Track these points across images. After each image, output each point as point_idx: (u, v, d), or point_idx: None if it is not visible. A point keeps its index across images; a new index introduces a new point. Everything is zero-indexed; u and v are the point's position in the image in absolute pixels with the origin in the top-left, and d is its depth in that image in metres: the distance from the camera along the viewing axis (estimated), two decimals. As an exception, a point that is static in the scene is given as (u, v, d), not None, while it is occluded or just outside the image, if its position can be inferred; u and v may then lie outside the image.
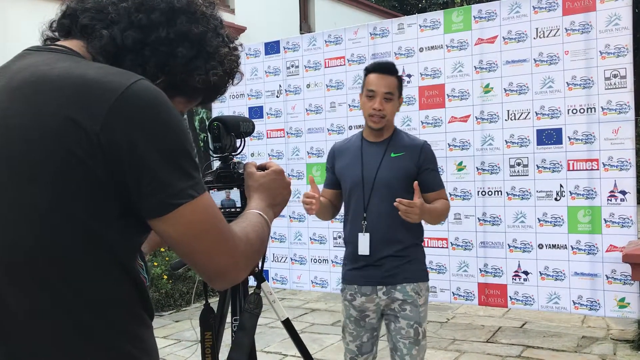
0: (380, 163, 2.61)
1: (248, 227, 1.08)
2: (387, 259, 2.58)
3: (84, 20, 1.02)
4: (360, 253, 2.60)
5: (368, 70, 2.67)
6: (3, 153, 0.91)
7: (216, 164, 1.47)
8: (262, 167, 1.31)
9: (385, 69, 2.64)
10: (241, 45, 1.18)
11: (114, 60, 1.01)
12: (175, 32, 1.03)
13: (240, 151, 1.42)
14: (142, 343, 0.99)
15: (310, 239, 5.42)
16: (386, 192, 2.57)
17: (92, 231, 0.91)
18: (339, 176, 2.73)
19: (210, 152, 1.41)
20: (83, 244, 0.91)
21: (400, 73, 2.71)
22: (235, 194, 1.39)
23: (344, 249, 2.75)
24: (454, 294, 4.73)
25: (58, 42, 1.05)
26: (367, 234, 2.58)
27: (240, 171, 1.37)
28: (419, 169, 2.61)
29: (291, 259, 5.54)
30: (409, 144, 2.66)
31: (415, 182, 2.48)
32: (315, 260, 5.41)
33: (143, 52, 1.01)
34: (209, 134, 1.39)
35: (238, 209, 1.38)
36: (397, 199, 2.42)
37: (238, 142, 1.42)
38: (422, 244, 2.73)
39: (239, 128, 1.40)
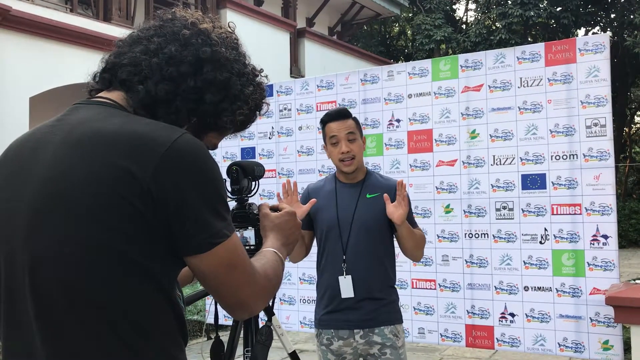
0: (356, 204, 2.65)
1: (267, 264, 1.18)
2: (365, 302, 2.59)
3: (122, 75, 1.14)
4: (343, 296, 2.59)
5: (325, 122, 2.72)
6: (68, 202, 1.01)
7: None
8: (274, 209, 1.41)
9: (340, 114, 2.71)
10: (267, 76, 1.32)
11: (151, 110, 1.13)
12: (202, 81, 1.14)
13: (254, 193, 1.53)
14: None
15: (300, 279, 5.46)
16: (364, 233, 2.61)
17: (144, 268, 1.01)
18: (313, 217, 2.74)
19: (228, 194, 1.51)
20: (136, 279, 1.01)
21: (354, 115, 2.76)
22: (249, 232, 1.48)
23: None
24: (441, 335, 4.78)
25: (102, 94, 1.17)
26: (349, 276, 2.58)
27: (255, 212, 1.47)
28: None
29: (280, 299, 5.56)
30: (383, 184, 2.72)
31: (385, 194, 2.56)
32: (304, 301, 5.43)
33: (175, 101, 1.13)
34: (227, 177, 1.50)
35: (251, 247, 1.47)
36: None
37: (252, 184, 1.52)
38: (395, 286, 2.74)
39: (254, 172, 1.50)
